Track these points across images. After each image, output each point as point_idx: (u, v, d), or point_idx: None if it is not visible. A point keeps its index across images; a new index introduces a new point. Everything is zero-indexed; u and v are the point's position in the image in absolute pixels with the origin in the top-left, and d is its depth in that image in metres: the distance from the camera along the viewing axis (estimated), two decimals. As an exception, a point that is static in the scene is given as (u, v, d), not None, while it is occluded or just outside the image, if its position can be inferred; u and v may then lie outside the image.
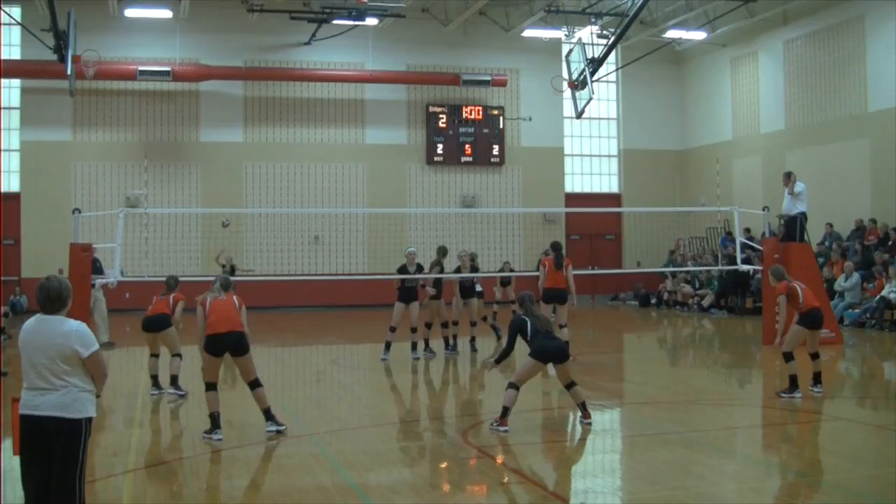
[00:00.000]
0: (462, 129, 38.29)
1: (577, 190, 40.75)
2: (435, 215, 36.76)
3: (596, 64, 29.54)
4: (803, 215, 23.23)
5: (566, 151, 40.62)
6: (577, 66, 30.25)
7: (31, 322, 7.38)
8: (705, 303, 33.07)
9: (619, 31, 29.00)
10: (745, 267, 26.80)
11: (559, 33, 37.33)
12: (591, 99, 30.02)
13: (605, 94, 40.60)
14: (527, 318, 12.77)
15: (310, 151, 37.07)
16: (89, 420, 7.28)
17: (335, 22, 34.00)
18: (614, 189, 41.46)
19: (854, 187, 31.51)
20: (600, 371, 19.16)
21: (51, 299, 7.30)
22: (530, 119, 38.88)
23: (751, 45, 36.94)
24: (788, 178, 23.61)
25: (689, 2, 34.18)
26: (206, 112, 36.41)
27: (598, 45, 32.75)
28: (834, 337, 22.31)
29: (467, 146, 38.36)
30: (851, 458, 11.35)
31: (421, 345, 20.78)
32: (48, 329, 7.24)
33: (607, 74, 35.47)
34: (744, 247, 26.15)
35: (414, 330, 20.53)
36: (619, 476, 10.90)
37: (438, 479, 10.68)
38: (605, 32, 34.17)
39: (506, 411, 12.47)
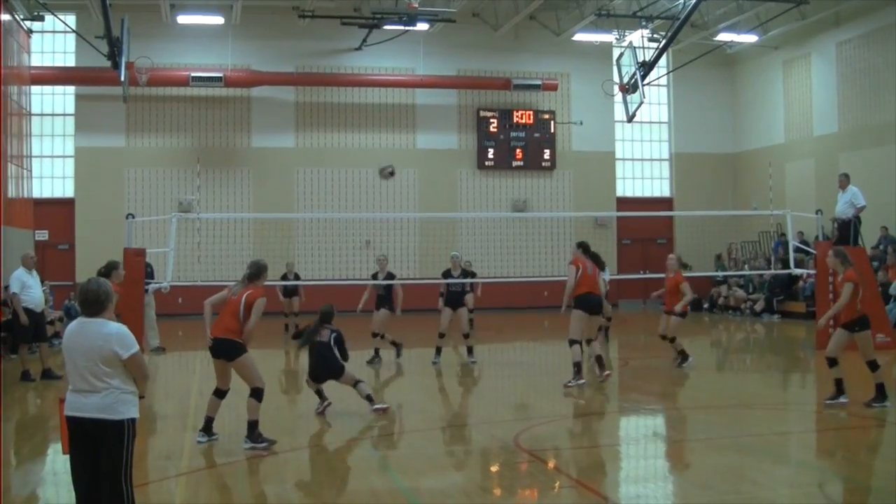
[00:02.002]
0: (513, 134, 38.22)
1: (629, 194, 40.58)
2: (486, 220, 36.76)
3: (647, 67, 29.52)
4: (857, 219, 23.06)
5: (617, 155, 40.44)
6: (629, 69, 30.23)
7: (73, 325, 7.49)
8: (758, 307, 32.85)
9: (670, 34, 28.94)
10: (799, 271, 26.62)
11: (610, 37, 37.17)
12: (642, 102, 30.02)
13: (656, 98, 40.36)
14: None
15: (361, 156, 37.14)
16: (132, 421, 7.35)
17: (386, 27, 34.03)
18: (666, 193, 41.25)
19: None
20: (652, 376, 19.09)
21: (89, 302, 7.38)
22: (581, 123, 38.75)
23: (803, 47, 36.64)
24: (847, 179, 23.46)
25: (741, 4, 33.95)
26: (258, 118, 36.57)
27: (648, 48, 32.70)
28: (889, 341, 22.11)
29: (518, 151, 38.29)
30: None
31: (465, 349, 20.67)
32: (89, 332, 7.33)
33: (658, 78, 35.41)
34: (796, 250, 25.98)
35: (466, 336, 20.58)
36: (670, 481, 10.85)
37: (490, 482, 10.68)
38: (656, 36, 34.05)
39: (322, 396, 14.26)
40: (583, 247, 17.47)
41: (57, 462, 11.12)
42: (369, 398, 13.98)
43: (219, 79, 34.56)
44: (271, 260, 30.73)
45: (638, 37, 34.68)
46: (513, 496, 10.10)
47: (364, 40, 35.68)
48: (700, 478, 10.60)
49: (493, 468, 11.35)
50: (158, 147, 35.70)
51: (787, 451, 12.28)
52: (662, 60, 32.34)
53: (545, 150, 38.49)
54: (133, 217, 21.66)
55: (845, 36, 34.36)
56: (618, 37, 36.82)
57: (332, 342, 14.07)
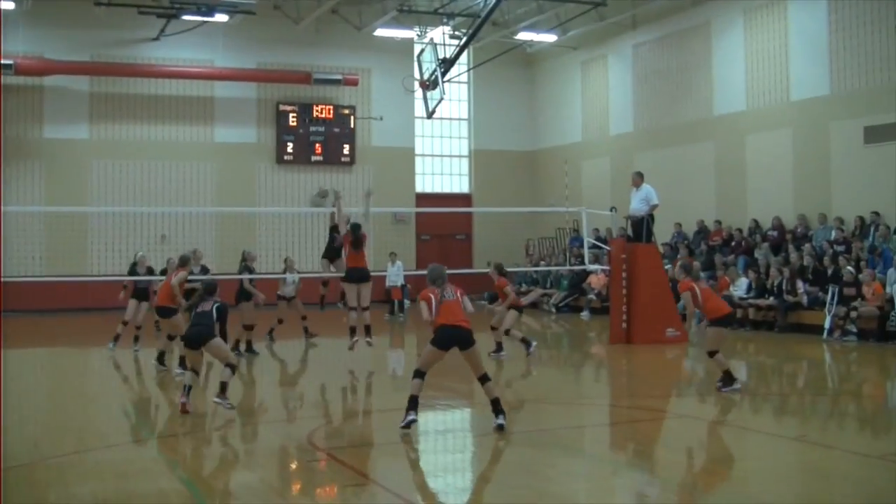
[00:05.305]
0: (312, 128, 37.92)
1: (428, 190, 40.76)
2: (284, 215, 36.41)
3: (447, 64, 29.57)
4: (651, 216, 23.58)
5: (417, 151, 40.56)
6: (429, 66, 30.26)
7: None
8: (553, 301, 33.35)
9: (470, 31, 29.07)
10: (594, 267, 27.09)
11: (411, 33, 37.28)
12: (442, 99, 30.05)
13: (456, 95, 40.65)
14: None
15: (158, 149, 36.27)
16: None
17: (184, 17, 33.41)
18: (465, 189, 41.56)
19: (700, 189, 32.13)
20: (448, 372, 19.06)
21: None
22: (381, 119, 38.70)
23: (601, 48, 37.34)
24: (640, 177, 23.96)
25: (541, 4, 34.39)
26: (51, 108, 35.35)
27: (450, 45, 32.80)
28: (679, 335, 22.68)
29: (318, 145, 38.00)
30: (692, 454, 11.60)
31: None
32: None
33: (459, 75, 35.59)
34: (591, 246, 26.44)
35: (251, 328, 21.24)
36: (464, 476, 10.85)
37: (282, 482, 10.50)
38: (457, 33, 34.22)
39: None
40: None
41: None
42: (223, 386, 13.65)
43: (9, 66, 33.27)
44: (68, 254, 30.35)
45: (439, 33, 34.77)
46: (306, 496, 9.94)
47: (162, 30, 34.94)
48: (492, 473, 10.66)
49: (287, 467, 11.18)
50: (-58, 137, 34.28)
51: (581, 444, 12.43)
52: (463, 58, 32.48)
53: (345, 145, 38.30)
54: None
55: (641, 38, 35.18)
56: (419, 33, 36.95)
57: (213, 311, 14.05)
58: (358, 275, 19.22)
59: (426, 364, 12.51)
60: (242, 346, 21.14)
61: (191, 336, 13.94)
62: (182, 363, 17.33)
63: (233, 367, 13.81)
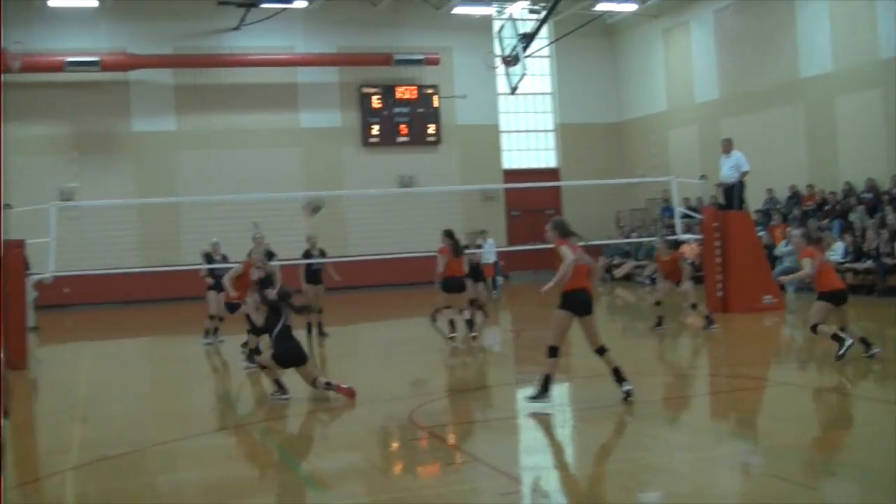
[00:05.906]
0: (396, 109, 37.99)
1: (515, 166, 40.67)
2: (373, 197, 36.52)
3: (528, 39, 29.56)
4: (741, 183, 23.37)
5: (502, 128, 40.51)
6: (510, 41, 30.24)
7: None
8: (647, 273, 33.09)
9: (550, 5, 29.02)
10: (686, 237, 26.89)
11: (490, 10, 37.18)
12: (524, 74, 30.06)
13: (538, 69, 40.46)
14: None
15: (244, 137, 36.57)
16: None
17: (263, 5, 33.65)
18: (552, 164, 41.40)
19: (790, 153, 31.67)
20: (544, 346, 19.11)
21: None
22: (465, 97, 38.63)
23: (682, 15, 36.97)
24: (730, 143, 23.76)
25: (619, -26, 34.18)
26: (137, 101, 35.78)
27: (529, 20, 32.70)
28: (776, 303, 22.46)
29: (402, 126, 38.08)
30: (797, 421, 11.40)
31: None
32: None
33: (540, 49, 35.51)
34: (683, 216, 26.24)
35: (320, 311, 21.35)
36: (567, 451, 10.84)
37: (386, 461, 10.55)
38: (536, 7, 34.11)
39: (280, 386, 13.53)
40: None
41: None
42: (329, 384, 13.33)
43: (95, 63, 33.76)
44: (161, 245, 30.69)
45: (518, 9, 34.70)
46: (411, 475, 9.99)
47: (242, 19, 35.21)
48: (596, 447, 10.61)
49: (389, 446, 11.25)
50: (35, 135, 34.62)
51: (682, 415, 12.36)
52: (543, 31, 32.44)
53: (430, 125, 38.33)
54: (11, 207, 21.09)
55: (722, 3, 34.74)
56: (498, 9, 36.82)
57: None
58: (455, 284, 19.84)
59: (561, 335, 12.57)
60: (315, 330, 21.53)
61: (287, 356, 13.33)
62: (251, 357, 16.77)
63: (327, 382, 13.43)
